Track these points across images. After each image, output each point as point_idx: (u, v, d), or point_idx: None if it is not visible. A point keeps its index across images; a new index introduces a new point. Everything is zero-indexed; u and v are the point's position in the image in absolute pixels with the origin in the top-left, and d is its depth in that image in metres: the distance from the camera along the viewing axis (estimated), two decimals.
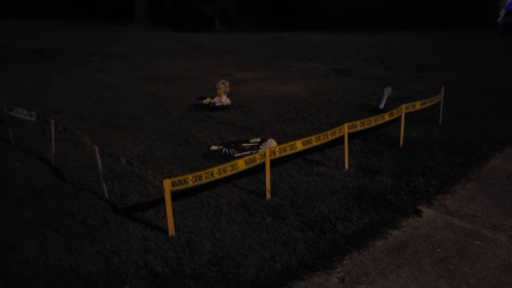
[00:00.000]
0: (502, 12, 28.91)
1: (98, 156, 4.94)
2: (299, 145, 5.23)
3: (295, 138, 7.33)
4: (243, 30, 28.63)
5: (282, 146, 5.08)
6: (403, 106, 6.74)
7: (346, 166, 5.97)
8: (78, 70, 13.90)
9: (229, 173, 4.55)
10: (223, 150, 6.57)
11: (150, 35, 25.83)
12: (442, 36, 23.81)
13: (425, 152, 6.57)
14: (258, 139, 7.03)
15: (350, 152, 6.10)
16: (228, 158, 6.32)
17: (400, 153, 6.57)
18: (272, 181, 5.29)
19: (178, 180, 4.16)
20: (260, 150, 6.57)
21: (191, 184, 4.26)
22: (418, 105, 7.01)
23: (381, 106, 8.98)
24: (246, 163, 4.71)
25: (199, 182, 4.33)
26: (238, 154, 6.41)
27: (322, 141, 5.54)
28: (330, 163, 6.20)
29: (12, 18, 32.50)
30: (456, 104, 9.12)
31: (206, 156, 6.42)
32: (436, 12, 26.65)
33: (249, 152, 6.48)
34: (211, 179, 4.41)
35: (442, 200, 5.19)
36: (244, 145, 6.82)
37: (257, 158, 4.83)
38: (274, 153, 5.00)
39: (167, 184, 4.07)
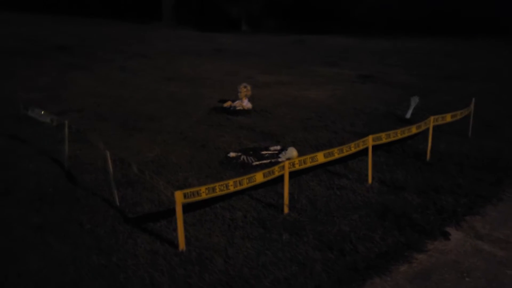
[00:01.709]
0: None
1: (109, 161, 4.78)
2: (320, 158, 4.96)
3: (316, 147, 7.07)
4: (268, 32, 28.39)
5: (302, 158, 4.82)
6: (431, 118, 6.39)
7: (370, 180, 5.67)
8: (101, 68, 13.92)
9: (245, 185, 4.33)
10: (242, 157, 6.35)
11: (175, 35, 25.87)
12: (469, 43, 23.05)
13: (454, 168, 6.21)
14: (278, 147, 6.78)
15: (373, 165, 5.80)
16: (246, 166, 6.10)
17: (426, 168, 6.23)
18: (290, 193, 5.04)
19: (190, 192, 3.96)
20: (279, 159, 6.33)
21: (204, 196, 4.05)
22: (448, 118, 6.64)
23: (408, 115, 8.61)
24: (264, 175, 4.47)
25: (212, 195, 4.12)
26: (257, 163, 6.18)
27: (345, 153, 5.26)
28: (353, 175, 5.91)
29: (39, 13, 33.06)
30: (486, 116, 8.66)
31: (223, 163, 6.21)
32: (461, 18, 25.82)
33: (268, 161, 6.24)
34: (226, 191, 4.19)
35: (471, 222, 4.84)
36: (263, 152, 6.59)
37: (276, 171, 4.59)
38: (293, 165, 4.76)
39: (178, 196, 3.87)
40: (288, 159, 6.38)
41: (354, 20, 27.67)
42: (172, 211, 4.61)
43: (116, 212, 4.76)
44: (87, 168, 5.93)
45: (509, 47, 21.61)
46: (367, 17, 27.46)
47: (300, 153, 6.59)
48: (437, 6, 25.87)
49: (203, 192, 4.02)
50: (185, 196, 3.92)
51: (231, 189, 4.22)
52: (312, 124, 8.34)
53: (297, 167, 4.78)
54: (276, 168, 4.59)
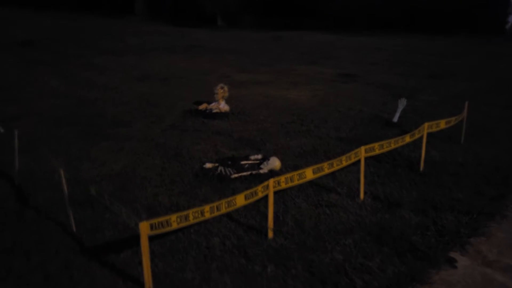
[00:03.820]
0: (511, 19, 28.14)
1: (64, 180, 4.05)
2: (309, 174, 4.36)
3: (301, 155, 6.49)
4: (244, 27, 27.69)
5: (289, 175, 4.21)
6: (425, 125, 5.88)
7: (361, 196, 5.11)
8: (66, 66, 12.98)
9: (223, 211, 3.68)
10: (219, 169, 5.69)
11: (148, 30, 24.89)
12: (448, 40, 23.00)
13: (450, 179, 5.72)
14: (259, 156, 6.16)
15: (364, 177, 5.24)
16: (224, 179, 5.46)
17: (421, 179, 5.72)
18: (274, 212, 4.42)
19: (158, 222, 3.29)
20: (261, 170, 5.71)
21: (175, 226, 3.39)
22: (442, 124, 6.15)
23: (395, 119, 8.13)
24: (246, 197, 3.84)
25: (185, 224, 3.45)
26: (236, 175, 5.53)
27: (336, 167, 4.68)
28: (342, 189, 5.34)
29: (4, 6, 31.39)
30: (476, 119, 8.26)
31: (198, 176, 5.54)
32: (441, 15, 25.76)
33: (249, 173, 5.61)
34: (201, 219, 3.54)
35: (477, 245, 4.33)
36: (243, 163, 5.95)
37: (259, 191, 3.96)
38: (279, 183, 4.14)
39: (144, 228, 3.20)
40: (271, 170, 5.78)
41: (332, 16, 27.28)
42: (139, 239, 3.95)
43: (71, 240, 4.05)
44: (41, 184, 5.15)
45: (487, 44, 21.61)
46: (345, 13, 27.12)
47: (283, 163, 6.00)
48: (416, 3, 25.70)
49: (174, 222, 3.36)
50: (152, 227, 3.25)
51: (207, 215, 3.57)
52: (294, 128, 7.75)
53: (283, 185, 4.16)
54: (259, 188, 3.96)
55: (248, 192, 3.87)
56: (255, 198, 3.95)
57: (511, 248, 4.28)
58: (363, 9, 27.26)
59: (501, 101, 10.01)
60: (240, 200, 3.79)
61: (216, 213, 3.63)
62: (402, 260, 3.98)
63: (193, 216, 3.46)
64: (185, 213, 3.42)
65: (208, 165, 5.78)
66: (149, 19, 30.72)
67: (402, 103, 8.31)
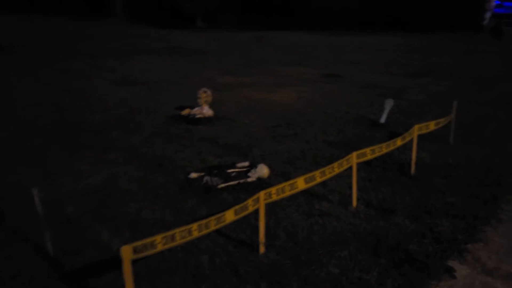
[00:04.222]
0: (488, 15, 28.50)
1: (38, 201, 3.74)
2: (300, 184, 4.16)
3: (289, 160, 6.28)
4: (225, 28, 27.38)
5: (280, 186, 3.99)
6: (416, 127, 5.74)
7: (354, 203, 4.94)
8: (41, 71, 12.51)
9: (212, 228, 3.45)
10: (205, 179, 5.44)
11: (128, 32, 24.39)
12: (428, 38, 23.13)
13: (442, 182, 5.60)
14: (247, 163, 5.93)
15: (356, 181, 5.05)
16: (210, 190, 5.22)
17: (413, 183, 5.58)
18: (266, 224, 4.21)
19: (142, 244, 3.04)
20: (249, 179, 5.49)
21: (160, 248, 3.14)
22: (432, 126, 6.03)
23: (382, 120, 8.00)
24: (236, 213, 3.61)
25: (171, 244, 3.21)
26: (223, 185, 5.30)
27: (328, 175, 4.48)
28: (333, 197, 5.16)
29: None
30: (463, 118, 8.16)
31: (184, 188, 5.28)
32: (421, 13, 25.93)
33: (236, 182, 5.38)
34: (188, 238, 3.30)
35: (475, 252, 4.20)
36: (229, 171, 5.71)
37: (250, 205, 3.74)
38: (270, 195, 3.92)
39: (126, 252, 2.95)
40: (259, 178, 5.56)
41: (314, 16, 27.20)
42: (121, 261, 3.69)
43: (49, 264, 3.75)
44: (14, 203, 4.82)
45: (466, 41, 21.80)
46: (326, 13, 27.08)
47: (271, 170, 5.78)
48: (396, 2, 25.81)
49: (159, 243, 3.12)
50: (135, 250, 3.00)
51: (195, 234, 3.33)
52: (281, 132, 7.54)
53: (274, 197, 3.95)
54: (249, 201, 3.74)
55: (238, 207, 3.64)
56: (246, 212, 3.72)
57: (510, 254, 4.16)
58: (344, 8, 27.26)
59: (484, 98, 9.99)
60: (229, 215, 3.56)
61: (205, 231, 3.39)
62: (400, 271, 3.82)
63: (180, 236, 3.22)
64: (171, 233, 3.18)
65: (194, 175, 5.53)
66: (128, 21, 30.14)
67: (389, 104, 8.19)
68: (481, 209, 4.92)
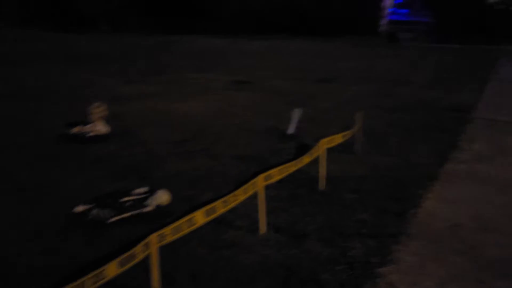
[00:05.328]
0: (384, 22, 30.39)
1: None
2: (200, 218, 3.64)
3: (195, 181, 5.75)
4: (131, 31, 26.01)
5: (176, 224, 3.44)
6: (323, 141, 5.54)
7: (263, 229, 4.54)
8: None
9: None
10: (95, 211, 4.70)
11: (18, 36, 22.06)
12: (333, 43, 24.01)
13: (352, 197, 5.44)
14: (144, 190, 5.26)
15: (265, 202, 4.66)
16: (99, 225, 4.50)
17: (324, 200, 5.35)
18: (162, 266, 3.62)
19: None
20: (146, 208, 4.86)
21: None
22: (339, 138, 5.90)
23: (291, 131, 7.80)
24: (120, 264, 2.99)
25: None
26: (115, 219, 4.61)
27: (232, 204, 4.03)
28: (242, 222, 4.72)
29: None
30: (368, 125, 8.23)
31: (68, 225, 4.50)
32: (326, 20, 26.95)
33: (130, 214, 4.72)
34: None
35: (388, 276, 3.99)
36: (124, 199, 5.01)
37: (138, 252, 3.14)
38: (164, 237, 3.35)
39: None
40: (158, 206, 4.95)
41: (224, 20, 26.93)
42: None
43: None
44: None
45: (367, 47, 22.94)
46: (236, 17, 26.96)
47: (175, 194, 5.20)
48: (302, 9, 26.46)
49: None
50: None
51: None
52: (187, 148, 6.99)
53: (169, 238, 3.38)
54: (138, 248, 3.14)
55: (124, 256, 3.03)
56: (134, 262, 3.12)
57: (423, 275, 4.01)
58: (254, 13, 27.37)
59: (387, 104, 10.31)
60: (111, 269, 2.94)
61: None
62: None
63: None
64: None
65: (80, 208, 4.74)
66: (20, 24, 27.43)
67: (297, 114, 8.01)
68: (392, 224, 4.80)
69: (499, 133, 8.08)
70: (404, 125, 8.50)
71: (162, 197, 5.00)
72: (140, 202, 4.97)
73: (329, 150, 6.43)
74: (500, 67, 16.21)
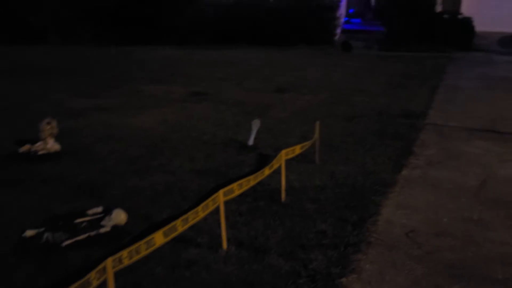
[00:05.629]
0: (338, 31, 31.15)
1: None
2: (159, 239, 3.54)
3: (153, 198, 5.61)
4: (84, 42, 25.22)
5: (133, 247, 3.32)
6: (283, 152, 5.57)
7: (224, 245, 4.47)
8: None
9: None
10: (45, 236, 4.47)
11: None
12: (291, 52, 24.34)
13: (312, 207, 5.48)
14: (99, 209, 5.08)
15: (225, 217, 4.60)
16: (52, 249, 4.28)
17: (284, 211, 5.35)
18: None
19: None
20: (102, 229, 4.68)
21: None
22: (298, 149, 5.94)
23: (250, 142, 7.78)
24: None
25: None
26: (69, 242, 4.40)
27: (192, 222, 3.95)
28: (202, 239, 4.64)
29: None
30: (325, 133, 8.35)
31: (17, 252, 4.25)
32: (282, 30, 27.29)
33: (86, 235, 4.53)
34: None
35: (349, 286, 4.03)
36: (78, 221, 4.81)
37: (93, 279, 3.00)
38: (120, 261, 3.22)
39: None
40: (115, 226, 4.78)
41: (179, 30, 26.67)
42: None
43: None
44: None
45: (322, 55, 23.38)
46: (191, 27, 26.77)
47: (132, 213, 5.05)
48: (258, 19, 26.69)
49: None
50: None
51: None
52: (143, 164, 6.81)
53: (126, 262, 3.26)
54: (92, 274, 2.99)
55: (77, 284, 2.88)
56: None
57: (382, 283, 4.09)
58: (209, 23, 27.30)
59: (342, 112, 10.50)
60: None
61: None
62: None
63: None
64: None
65: (30, 233, 4.50)
66: None
67: (256, 125, 8.01)
68: (351, 234, 4.86)
69: (450, 139, 8.43)
70: (359, 133, 8.68)
71: (119, 216, 4.84)
72: (96, 223, 4.79)
73: (289, 161, 6.47)
74: (448, 74, 16.98)
